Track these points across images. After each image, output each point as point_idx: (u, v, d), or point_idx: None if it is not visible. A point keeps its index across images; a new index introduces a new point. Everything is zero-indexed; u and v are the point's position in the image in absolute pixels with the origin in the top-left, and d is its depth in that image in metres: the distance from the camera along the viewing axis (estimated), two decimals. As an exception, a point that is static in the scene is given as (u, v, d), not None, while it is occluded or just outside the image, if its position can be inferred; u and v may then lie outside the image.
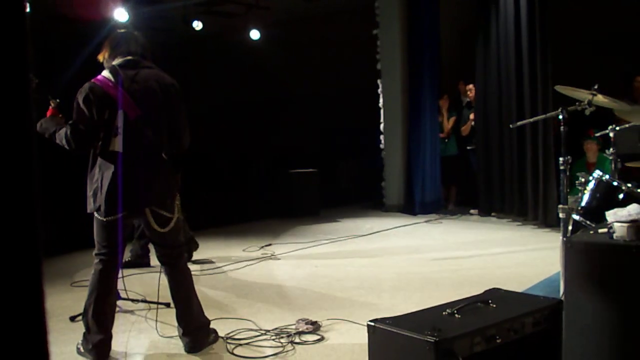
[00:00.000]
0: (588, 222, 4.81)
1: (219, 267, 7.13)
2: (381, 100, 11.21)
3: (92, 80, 4.18)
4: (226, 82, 13.15)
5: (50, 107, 4.40)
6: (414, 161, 10.83)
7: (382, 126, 11.23)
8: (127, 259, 6.78)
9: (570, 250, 3.30)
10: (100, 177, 4.12)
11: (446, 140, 11.09)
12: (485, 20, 9.80)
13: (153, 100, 4.18)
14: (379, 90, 11.21)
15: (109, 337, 4.29)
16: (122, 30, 4.59)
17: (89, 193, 4.16)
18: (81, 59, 7.75)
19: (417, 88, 10.81)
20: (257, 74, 13.00)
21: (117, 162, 4.10)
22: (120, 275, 4.49)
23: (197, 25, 11.27)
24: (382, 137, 11.26)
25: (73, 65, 7.76)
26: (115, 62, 4.24)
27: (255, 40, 11.93)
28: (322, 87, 12.36)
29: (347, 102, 12.32)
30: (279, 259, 7.56)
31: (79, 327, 4.34)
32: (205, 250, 8.02)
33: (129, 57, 4.24)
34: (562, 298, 3.44)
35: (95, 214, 4.18)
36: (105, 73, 4.20)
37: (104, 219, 4.15)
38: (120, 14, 8.79)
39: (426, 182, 10.78)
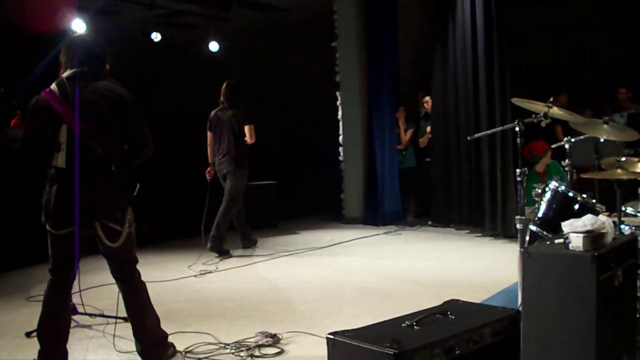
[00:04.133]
0: (545, 233, 4.88)
1: (177, 280, 7.07)
2: (340, 112, 11.23)
3: (41, 92, 4.12)
4: (185, 94, 13.05)
5: (15, 117, 4.33)
6: (373, 173, 10.86)
7: (340, 138, 11.25)
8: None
9: (528, 261, 3.34)
10: (49, 191, 4.09)
11: (404, 152, 11.14)
12: (442, 33, 9.89)
13: (101, 113, 4.09)
14: (338, 102, 11.23)
15: (64, 354, 4.22)
16: (78, 36, 4.53)
17: (43, 204, 4.12)
18: (39, 70, 7.65)
19: (376, 100, 10.86)
20: (216, 85, 12.95)
21: (61, 177, 4.05)
22: (77, 289, 4.42)
23: (156, 36, 11.19)
24: (341, 149, 11.28)
25: (31, 77, 7.66)
26: (65, 74, 4.17)
27: (215, 52, 11.88)
28: (281, 99, 12.33)
29: (307, 114, 12.31)
30: (237, 270, 7.53)
31: (35, 343, 4.26)
32: (163, 263, 7.96)
33: (79, 70, 4.16)
34: (520, 308, 3.48)
35: (47, 227, 4.12)
36: (53, 86, 4.13)
37: (55, 232, 4.10)
38: (78, 25, 8.69)
39: (385, 193, 10.81)
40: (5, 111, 4.21)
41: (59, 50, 4.30)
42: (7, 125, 4.29)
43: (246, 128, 8.35)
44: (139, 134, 4.25)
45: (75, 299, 4.53)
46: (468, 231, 9.75)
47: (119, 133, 4.17)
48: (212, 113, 8.55)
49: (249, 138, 8.36)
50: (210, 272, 7.46)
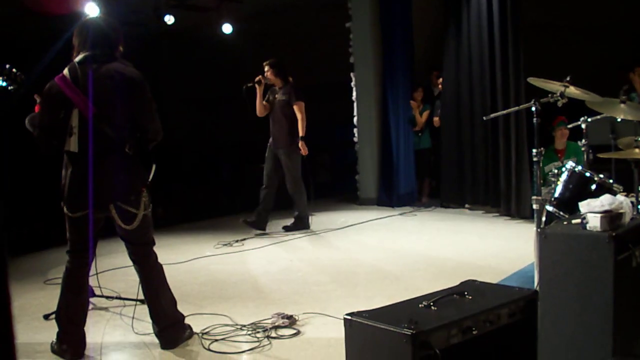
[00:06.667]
0: (561, 213, 4.85)
1: (193, 262, 7.09)
2: (354, 93, 11.19)
3: (54, 78, 4.13)
4: (198, 76, 13.06)
5: (38, 103, 4.34)
6: (387, 154, 10.83)
7: (355, 119, 11.22)
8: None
9: (545, 241, 3.33)
10: (64, 175, 4.15)
11: (420, 134, 11.08)
12: (456, 11, 9.80)
13: (112, 97, 4.09)
14: (352, 83, 11.19)
15: (82, 335, 4.26)
16: (91, 19, 4.52)
17: (61, 187, 4.16)
18: (52, 54, 7.66)
19: (391, 81, 10.80)
20: (229, 68, 12.93)
21: (74, 161, 4.08)
22: (94, 272, 4.45)
23: (169, 19, 11.18)
24: (355, 130, 11.24)
25: (45, 61, 7.67)
26: (78, 58, 4.18)
27: (228, 34, 11.86)
28: (295, 81, 12.35)
29: (321, 95, 12.30)
30: (251, 252, 7.55)
31: (53, 326, 4.30)
32: (179, 245, 7.99)
33: (90, 53, 4.15)
34: (537, 289, 3.46)
35: (64, 210, 4.16)
36: (65, 70, 4.14)
37: (70, 215, 4.13)
38: (91, 8, 8.70)
39: (400, 175, 10.77)
40: (16, 89, 4.20)
41: (72, 34, 4.31)
42: (31, 109, 4.31)
43: None
44: (149, 116, 4.23)
45: (92, 281, 4.56)
46: (483, 212, 9.72)
47: (131, 115, 4.17)
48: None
49: None
50: (225, 254, 7.48)
